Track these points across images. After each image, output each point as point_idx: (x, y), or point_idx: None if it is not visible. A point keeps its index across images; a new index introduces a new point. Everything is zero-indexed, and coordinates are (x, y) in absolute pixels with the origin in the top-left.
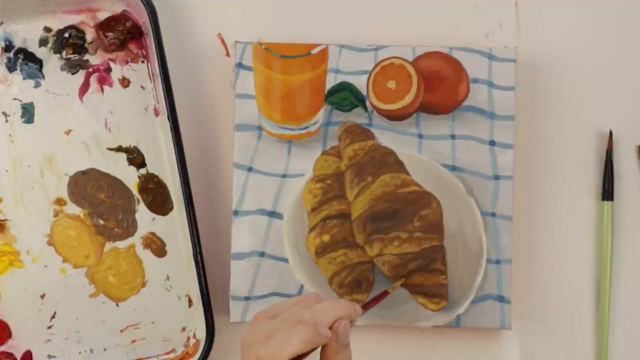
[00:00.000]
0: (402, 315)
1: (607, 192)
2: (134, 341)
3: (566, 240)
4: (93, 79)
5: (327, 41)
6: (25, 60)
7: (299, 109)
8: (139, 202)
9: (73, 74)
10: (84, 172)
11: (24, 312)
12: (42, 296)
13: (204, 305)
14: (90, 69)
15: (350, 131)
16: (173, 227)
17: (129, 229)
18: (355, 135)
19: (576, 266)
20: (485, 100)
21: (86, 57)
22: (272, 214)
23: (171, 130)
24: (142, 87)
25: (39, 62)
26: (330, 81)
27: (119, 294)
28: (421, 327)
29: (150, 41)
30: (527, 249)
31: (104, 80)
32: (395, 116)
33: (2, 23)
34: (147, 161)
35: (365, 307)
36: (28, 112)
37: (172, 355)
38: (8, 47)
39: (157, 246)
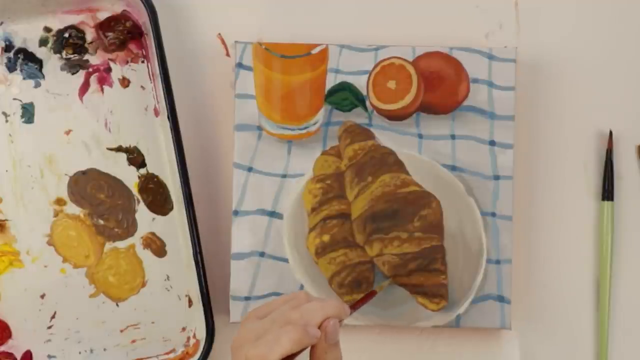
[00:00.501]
0: (402, 315)
1: (607, 192)
2: (134, 341)
3: (566, 240)
4: (93, 79)
5: (327, 41)
6: (25, 60)
7: (299, 109)
8: (139, 202)
9: (73, 74)
10: (84, 172)
11: (24, 312)
12: (42, 296)
13: (204, 305)
14: (90, 69)
15: (350, 131)
16: (173, 227)
17: (129, 229)
18: (355, 135)
19: (576, 266)
20: (485, 100)
21: (86, 57)
22: (272, 214)
23: (171, 130)
24: (142, 87)
25: (39, 62)
26: (330, 81)
27: (119, 294)
28: (421, 327)
29: (150, 41)
30: (527, 249)
31: (104, 80)
32: (395, 116)
33: (2, 23)
34: (147, 161)
35: (354, 307)
36: (28, 112)
37: (172, 355)
38: (8, 47)
39: (157, 246)
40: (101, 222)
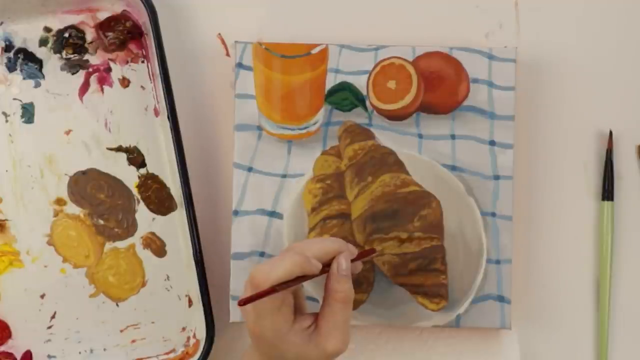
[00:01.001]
0: (402, 315)
1: (607, 192)
2: (134, 341)
3: (566, 240)
4: (93, 79)
5: (327, 41)
6: (25, 60)
7: (299, 109)
8: (138, 202)
9: (73, 74)
10: (84, 172)
11: (24, 312)
12: (42, 296)
13: (204, 305)
14: (90, 69)
15: (350, 131)
16: (173, 227)
17: (129, 229)
18: (355, 135)
19: (576, 266)
20: (485, 100)
21: (86, 57)
22: (272, 214)
23: (171, 130)
24: (142, 87)
25: (39, 62)
26: (330, 81)
27: (119, 294)
28: (421, 327)
29: (150, 41)
30: (527, 249)
31: (104, 80)
32: (395, 116)
33: (2, 23)
34: (147, 161)
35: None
36: (28, 112)
37: (172, 355)
38: (8, 47)
39: (157, 246)
40: (101, 222)
